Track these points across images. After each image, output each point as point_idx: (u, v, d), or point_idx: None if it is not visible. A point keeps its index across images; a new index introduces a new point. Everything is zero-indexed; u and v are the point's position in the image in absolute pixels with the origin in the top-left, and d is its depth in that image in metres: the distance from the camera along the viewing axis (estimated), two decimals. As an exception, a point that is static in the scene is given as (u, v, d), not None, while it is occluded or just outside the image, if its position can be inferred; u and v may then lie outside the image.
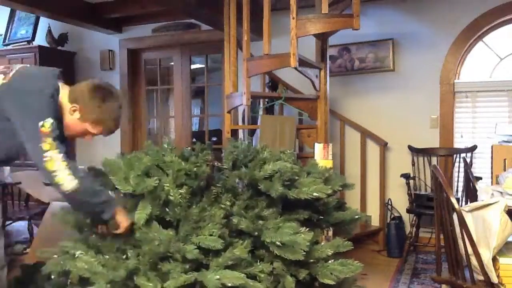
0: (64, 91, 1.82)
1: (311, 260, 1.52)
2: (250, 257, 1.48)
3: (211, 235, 1.42)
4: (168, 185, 1.52)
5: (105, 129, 1.81)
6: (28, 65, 2.04)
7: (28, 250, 3.81)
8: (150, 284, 1.41)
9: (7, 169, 4.47)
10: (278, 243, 1.43)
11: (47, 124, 1.67)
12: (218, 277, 1.34)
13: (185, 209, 1.52)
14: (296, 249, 1.42)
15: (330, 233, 1.84)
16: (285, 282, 1.46)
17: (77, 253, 1.56)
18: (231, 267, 1.40)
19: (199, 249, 1.40)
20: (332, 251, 1.55)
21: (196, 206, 1.54)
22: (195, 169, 1.57)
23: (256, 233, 1.48)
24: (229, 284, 1.34)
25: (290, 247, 1.43)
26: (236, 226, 1.50)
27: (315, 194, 1.52)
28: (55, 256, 1.68)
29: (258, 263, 1.47)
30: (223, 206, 1.53)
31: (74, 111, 1.79)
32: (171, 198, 1.51)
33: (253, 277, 1.43)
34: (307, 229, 1.51)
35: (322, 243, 1.59)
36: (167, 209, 1.53)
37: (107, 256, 1.53)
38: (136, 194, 1.55)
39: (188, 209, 1.52)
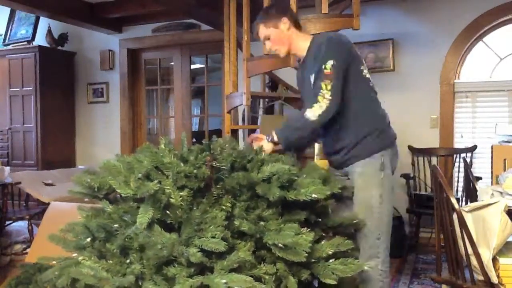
0: None
1: (313, 260, 1.50)
2: (253, 259, 1.46)
3: (213, 237, 1.39)
4: (169, 187, 1.49)
5: None
6: None
7: (28, 250, 3.80)
8: (159, 289, 1.38)
9: (7, 169, 4.47)
10: (280, 245, 1.40)
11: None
12: (225, 281, 1.31)
13: (186, 211, 1.49)
14: (298, 251, 1.40)
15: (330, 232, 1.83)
16: (287, 283, 1.44)
17: (80, 258, 1.53)
18: (236, 269, 1.38)
19: (202, 252, 1.38)
20: (332, 250, 1.53)
21: (197, 208, 1.51)
22: (195, 170, 1.54)
23: (258, 235, 1.47)
24: (237, 288, 1.32)
25: (292, 248, 1.40)
26: (238, 228, 1.48)
27: (314, 195, 1.50)
28: (54, 262, 1.65)
29: (262, 265, 1.45)
30: (224, 207, 1.50)
31: None
32: (172, 200, 1.49)
33: (257, 279, 1.41)
34: (308, 229, 1.49)
35: (323, 242, 1.58)
36: (168, 212, 1.50)
37: (110, 261, 1.50)
38: (137, 197, 1.52)
39: (189, 211, 1.49)
